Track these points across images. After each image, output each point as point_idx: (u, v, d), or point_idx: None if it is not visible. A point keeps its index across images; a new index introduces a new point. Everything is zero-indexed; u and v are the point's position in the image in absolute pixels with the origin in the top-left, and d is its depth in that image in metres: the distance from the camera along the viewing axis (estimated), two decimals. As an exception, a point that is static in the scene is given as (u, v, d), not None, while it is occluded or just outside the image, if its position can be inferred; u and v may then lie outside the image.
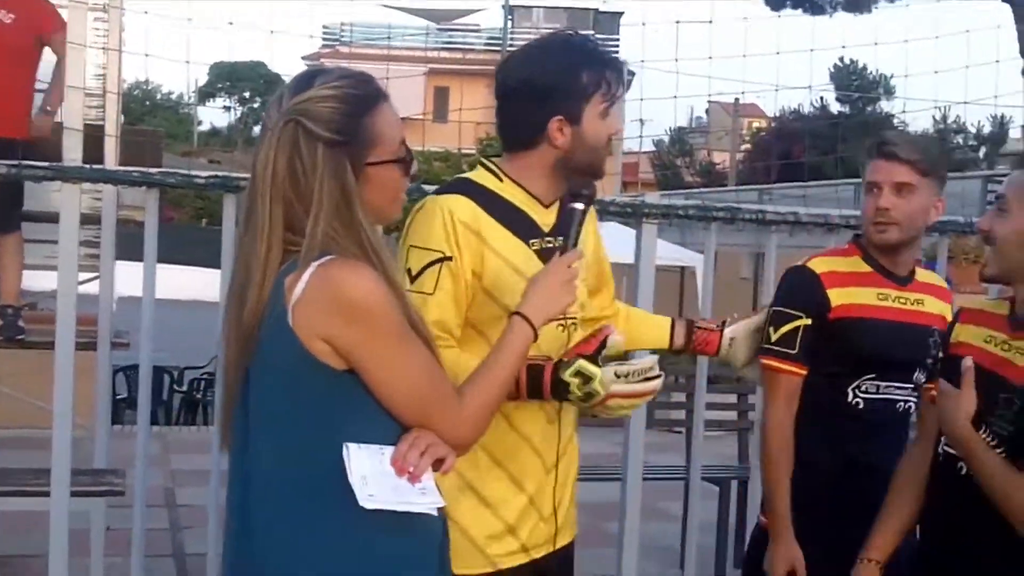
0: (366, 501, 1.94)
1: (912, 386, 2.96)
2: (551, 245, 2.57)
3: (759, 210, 4.66)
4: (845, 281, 2.96)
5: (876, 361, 2.92)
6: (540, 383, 2.42)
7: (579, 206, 2.40)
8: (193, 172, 4.29)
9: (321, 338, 1.95)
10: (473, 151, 26.14)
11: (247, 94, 72.19)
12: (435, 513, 2.03)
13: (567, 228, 2.41)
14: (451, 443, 2.04)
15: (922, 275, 3.08)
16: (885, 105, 36.29)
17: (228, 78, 70.79)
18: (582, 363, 2.38)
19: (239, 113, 72.86)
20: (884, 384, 2.93)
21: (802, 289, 2.98)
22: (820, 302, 2.94)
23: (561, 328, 2.60)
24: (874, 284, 2.97)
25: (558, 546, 2.70)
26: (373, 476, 1.96)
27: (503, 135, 2.66)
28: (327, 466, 1.97)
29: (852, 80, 37.11)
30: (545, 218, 2.62)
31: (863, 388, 2.91)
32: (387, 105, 2.09)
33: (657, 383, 2.45)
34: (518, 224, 2.57)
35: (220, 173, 4.30)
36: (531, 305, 2.24)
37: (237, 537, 2.09)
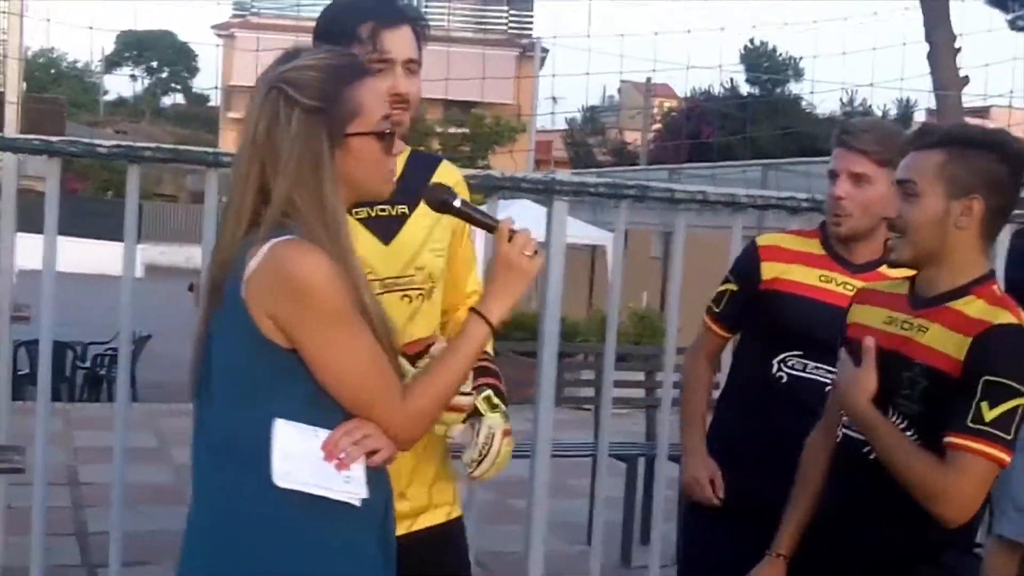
0: (280, 479, 1.95)
1: None
2: (385, 213, 2.51)
3: (668, 189, 4.69)
4: (787, 258, 3.03)
5: (801, 338, 2.95)
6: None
7: (456, 202, 2.28)
8: (96, 141, 4.19)
9: (267, 314, 1.99)
10: (386, 126, 25.94)
11: (155, 63, 70.95)
12: (357, 503, 2.02)
13: (474, 219, 2.31)
14: (391, 436, 2.05)
15: (892, 270, 2.71)
16: (794, 87, 36.81)
17: (136, 47, 69.43)
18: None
19: (146, 83, 71.54)
20: (812, 364, 2.96)
21: (741, 259, 3.17)
22: (751, 273, 3.07)
23: (407, 300, 2.54)
24: (821, 266, 3.01)
25: (416, 528, 2.59)
26: (297, 455, 1.96)
27: None
28: (259, 440, 1.99)
29: (762, 62, 37.53)
30: None
31: (789, 363, 2.96)
32: (372, 80, 2.14)
33: (468, 400, 2.40)
34: None
35: (124, 143, 4.21)
36: (489, 301, 2.21)
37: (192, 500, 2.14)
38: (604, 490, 4.86)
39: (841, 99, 36.33)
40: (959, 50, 20.44)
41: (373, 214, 2.50)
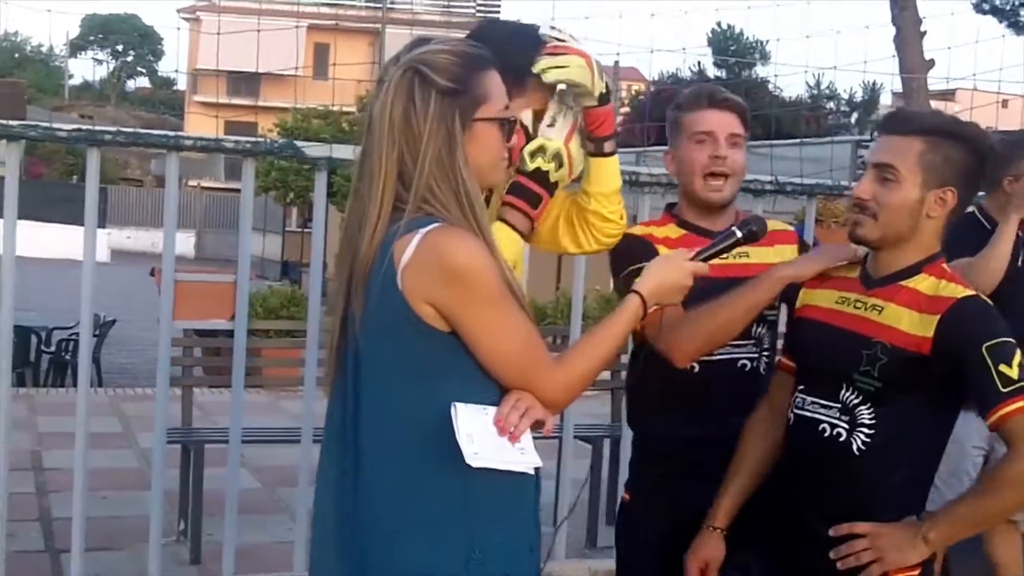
0: (472, 459, 2.01)
1: (752, 340, 2.84)
2: None
3: (632, 172, 4.70)
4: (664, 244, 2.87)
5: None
6: (525, 190, 2.47)
7: (738, 232, 2.46)
8: (56, 125, 4.15)
9: (427, 301, 2.04)
10: (353, 109, 25.84)
11: (120, 47, 70.32)
12: (532, 472, 2.11)
13: (714, 245, 2.46)
14: (545, 403, 2.12)
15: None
16: (761, 70, 36.87)
17: (101, 30, 68.81)
18: (525, 148, 2.48)
19: (112, 67, 70.90)
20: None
21: (634, 246, 2.87)
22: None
23: None
24: (688, 245, 2.71)
25: None
26: (478, 434, 2.03)
27: None
28: (430, 424, 2.05)
29: (729, 45, 37.58)
30: None
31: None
32: (496, 72, 2.19)
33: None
34: None
35: (84, 127, 4.17)
36: (649, 286, 2.32)
37: (340, 487, 2.14)
38: (570, 471, 4.88)
39: (807, 82, 36.43)
40: (925, 33, 20.53)
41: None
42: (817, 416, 2.48)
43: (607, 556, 5.44)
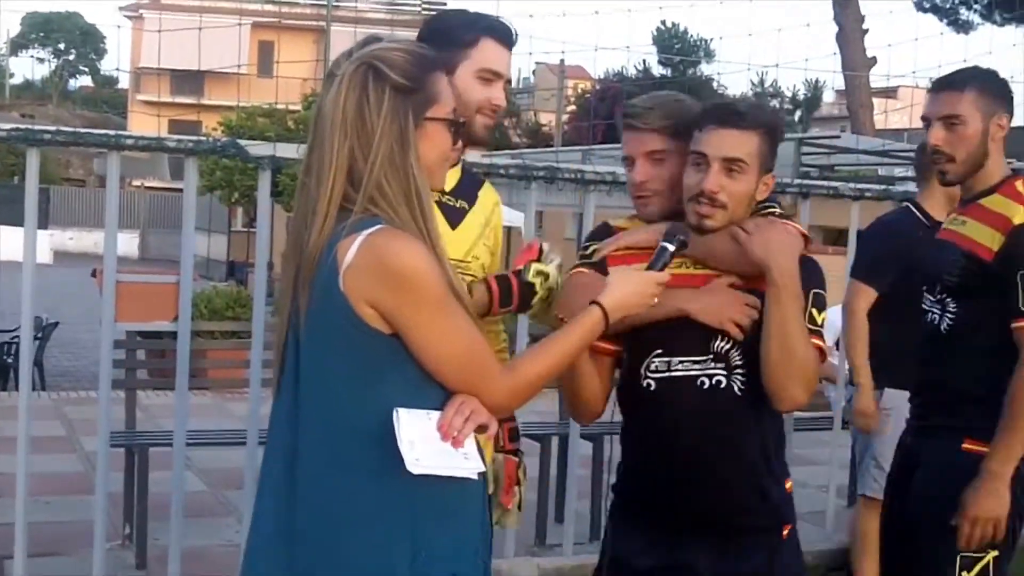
0: (413, 466, 1.98)
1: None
2: (452, 203, 2.78)
3: (578, 170, 4.72)
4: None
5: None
6: (510, 291, 2.52)
7: (669, 246, 2.46)
8: (-7, 125, 4.10)
9: (368, 303, 2.02)
10: (298, 107, 25.70)
11: (62, 45, 69.44)
12: (476, 477, 2.09)
13: (653, 264, 2.47)
14: (490, 408, 2.10)
15: None
16: (705, 68, 37.13)
17: (42, 29, 67.92)
18: (536, 265, 2.53)
19: (54, 66, 70.03)
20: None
21: (599, 231, 2.87)
22: None
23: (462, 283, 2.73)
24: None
25: None
26: (420, 441, 2.01)
27: None
28: (373, 428, 2.03)
29: (673, 43, 37.81)
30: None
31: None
32: (444, 74, 2.20)
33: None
34: None
35: (23, 126, 4.12)
36: (611, 298, 2.30)
37: (281, 490, 2.12)
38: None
39: (751, 80, 36.73)
40: (867, 31, 20.77)
41: (443, 199, 2.74)
42: (691, 372, 2.54)
43: (556, 553, 5.47)
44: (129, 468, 5.52)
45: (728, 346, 2.54)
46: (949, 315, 3.13)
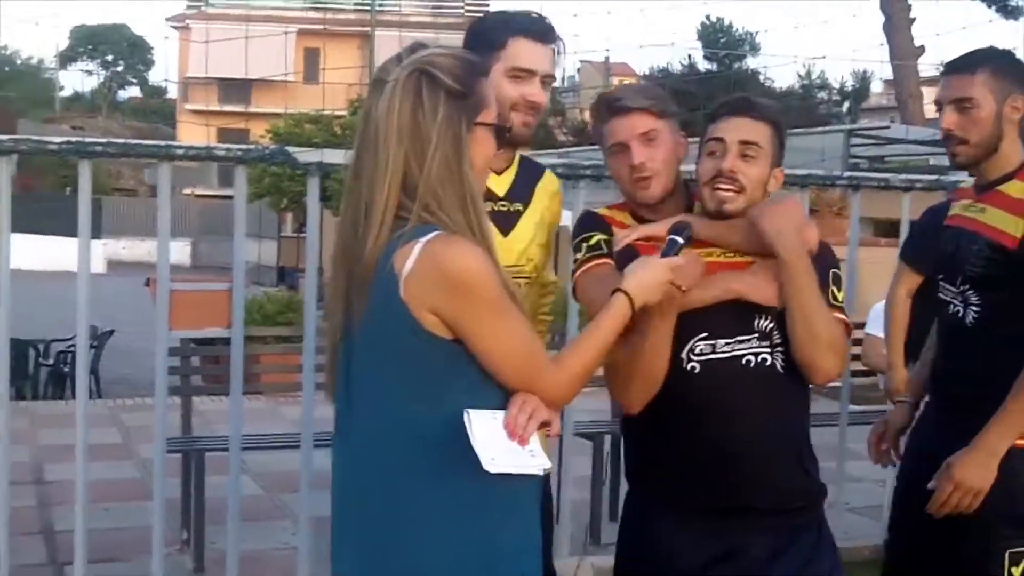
0: (489, 465, 2.01)
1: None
2: (505, 208, 2.84)
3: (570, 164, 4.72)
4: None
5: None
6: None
7: (679, 238, 2.48)
8: (46, 138, 4.16)
9: (429, 310, 2.04)
10: (345, 113, 25.84)
11: (110, 57, 70.24)
12: (541, 473, 2.11)
13: (666, 252, 2.48)
14: (547, 401, 2.14)
15: None
16: (751, 62, 36.91)
17: (90, 41, 68.73)
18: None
19: (102, 77, 70.86)
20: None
21: (588, 220, 2.87)
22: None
23: (517, 285, 2.83)
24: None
25: None
26: (491, 440, 2.04)
27: None
28: (439, 431, 2.06)
29: (719, 38, 37.60)
30: (498, 184, 2.86)
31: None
32: (489, 80, 2.22)
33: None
34: None
35: (74, 139, 4.17)
36: (633, 283, 2.33)
37: (346, 503, 2.18)
38: (571, 469, 4.88)
39: (798, 73, 36.48)
40: (914, 20, 20.53)
41: (496, 208, 2.79)
42: (737, 352, 2.56)
43: (610, 552, 5.45)
44: (186, 473, 5.58)
45: (771, 324, 2.57)
46: (974, 307, 3.05)
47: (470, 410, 2.05)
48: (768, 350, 2.57)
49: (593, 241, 2.73)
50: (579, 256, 2.74)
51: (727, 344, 2.56)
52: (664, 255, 2.44)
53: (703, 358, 2.56)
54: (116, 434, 8.56)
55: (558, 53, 2.89)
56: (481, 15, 2.97)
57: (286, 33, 31.98)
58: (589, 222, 2.81)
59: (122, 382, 12.41)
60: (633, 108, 2.69)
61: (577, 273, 2.74)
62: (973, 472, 2.89)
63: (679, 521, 2.62)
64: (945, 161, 4.99)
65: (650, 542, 2.69)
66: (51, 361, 11.33)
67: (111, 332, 11.93)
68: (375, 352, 2.10)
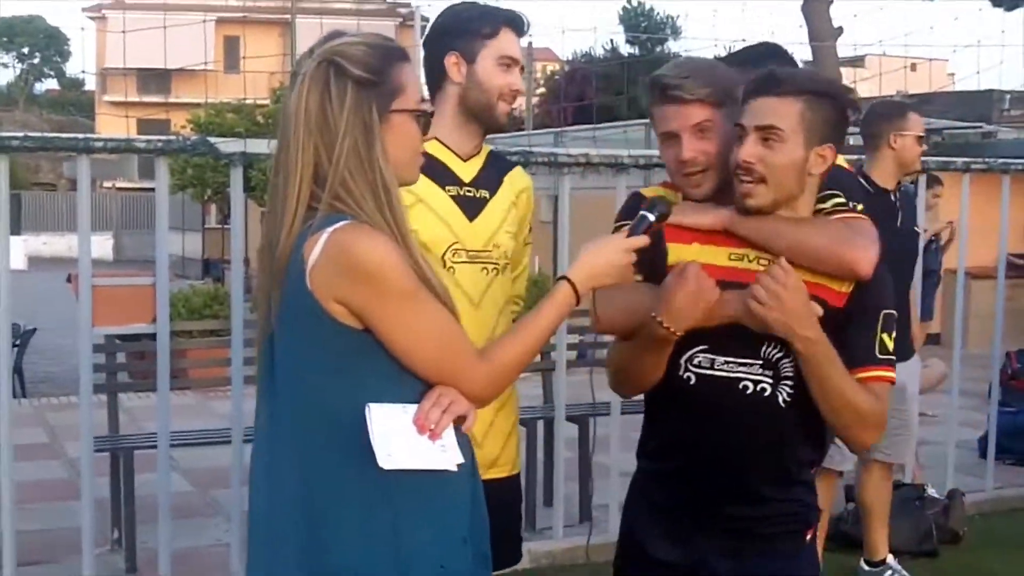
0: (385, 461, 1.98)
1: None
2: (471, 194, 2.90)
3: (551, 153, 4.71)
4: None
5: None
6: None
7: (649, 216, 2.35)
8: (-40, 134, 4.06)
9: (336, 300, 2.01)
10: (267, 101, 25.57)
11: (26, 50, 68.93)
12: (454, 469, 2.06)
13: (635, 228, 2.36)
14: (471, 398, 2.10)
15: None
16: (673, 45, 37.14)
17: (5, 33, 67.39)
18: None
19: (18, 70, 69.53)
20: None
21: (629, 202, 2.69)
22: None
23: (485, 272, 2.89)
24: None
25: (484, 478, 2.48)
26: (393, 435, 2.00)
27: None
28: (349, 423, 2.02)
29: (640, 22, 37.79)
30: (464, 170, 2.92)
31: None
32: (410, 65, 2.17)
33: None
34: (435, 172, 2.80)
35: (-10, 134, 4.08)
36: (580, 271, 2.27)
37: (268, 487, 2.13)
38: (562, 452, 4.89)
39: (716, 56, 36.73)
40: (832, 1, 20.75)
41: (461, 193, 2.89)
42: (735, 375, 2.40)
43: (546, 537, 5.48)
44: (115, 472, 5.50)
45: (780, 354, 2.38)
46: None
47: (372, 404, 2.02)
48: (771, 381, 2.40)
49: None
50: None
51: (726, 363, 2.41)
52: (631, 233, 2.33)
53: (699, 371, 2.42)
54: (42, 434, 8.42)
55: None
56: (449, 6, 2.99)
57: (205, 21, 31.56)
58: (626, 210, 2.59)
59: (47, 381, 12.22)
60: (687, 100, 2.48)
61: None
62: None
63: (649, 515, 2.55)
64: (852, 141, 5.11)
65: (630, 530, 2.63)
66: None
67: (34, 330, 11.72)
68: (290, 341, 2.08)
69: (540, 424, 6.09)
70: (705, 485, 2.46)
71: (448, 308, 2.11)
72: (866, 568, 5.02)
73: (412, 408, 2.05)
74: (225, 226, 26.74)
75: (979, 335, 7.56)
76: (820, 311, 2.35)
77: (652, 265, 2.43)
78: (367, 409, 2.01)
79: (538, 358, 6.68)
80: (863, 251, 2.42)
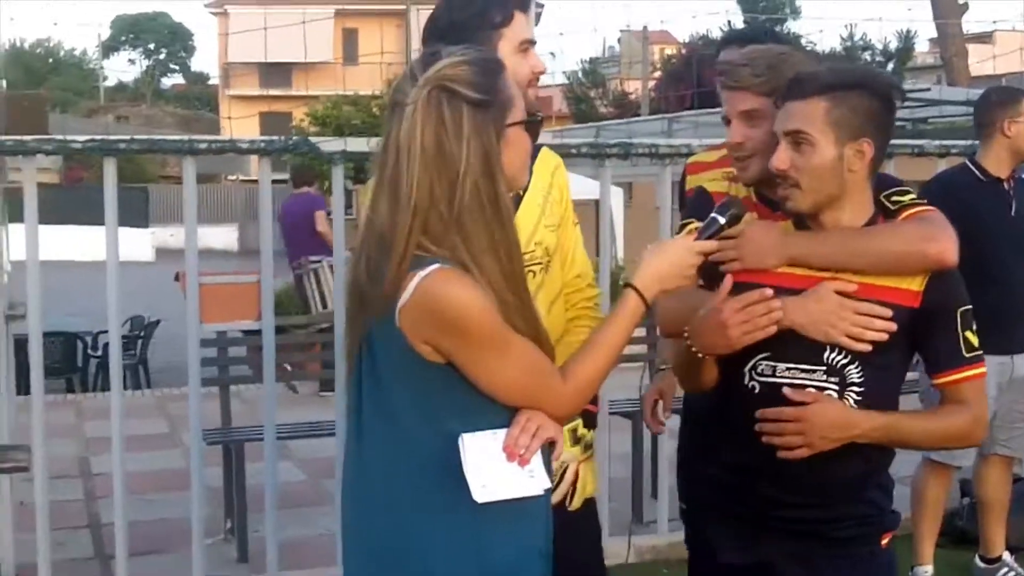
0: (479, 493, 2.00)
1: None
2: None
3: (652, 144, 4.67)
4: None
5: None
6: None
7: (720, 218, 2.37)
8: (71, 137, 4.19)
9: (423, 342, 2.01)
10: (382, 93, 25.82)
11: (152, 45, 70.80)
12: (541, 494, 2.08)
13: (704, 231, 2.38)
14: (555, 418, 2.11)
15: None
16: (792, 25, 36.54)
17: (131, 30, 69.30)
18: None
19: (145, 66, 71.44)
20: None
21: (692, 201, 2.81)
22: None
23: (531, 275, 2.67)
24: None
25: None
26: (486, 464, 2.02)
27: None
28: (437, 452, 2.03)
29: (759, 2, 37.24)
30: None
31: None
32: (508, 73, 2.11)
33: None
34: None
35: (98, 136, 4.20)
36: (645, 277, 2.25)
37: (355, 515, 2.16)
38: (610, 447, 4.86)
39: (840, 35, 36.04)
40: (957, -23, 20.19)
41: None
42: (798, 382, 2.37)
43: (652, 532, 5.44)
44: (227, 464, 5.61)
45: (845, 360, 2.36)
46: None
47: (465, 435, 2.02)
48: (837, 388, 2.38)
49: (687, 231, 2.50)
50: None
51: (788, 370, 2.39)
52: (699, 236, 2.34)
53: (763, 379, 2.41)
54: (164, 424, 8.62)
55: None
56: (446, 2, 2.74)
57: (329, 17, 31.96)
58: (692, 206, 2.65)
59: (169, 370, 12.51)
60: (738, 87, 2.53)
61: None
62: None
63: (720, 520, 2.55)
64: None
65: (695, 532, 2.67)
66: (99, 352, 11.41)
67: (158, 322, 12.01)
68: (380, 374, 2.08)
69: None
70: (774, 491, 2.43)
71: (539, 334, 2.09)
72: (981, 565, 4.88)
73: (502, 434, 2.05)
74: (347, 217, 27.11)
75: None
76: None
77: (711, 270, 2.42)
78: (461, 440, 2.02)
79: (643, 349, 6.65)
80: (946, 241, 2.40)
